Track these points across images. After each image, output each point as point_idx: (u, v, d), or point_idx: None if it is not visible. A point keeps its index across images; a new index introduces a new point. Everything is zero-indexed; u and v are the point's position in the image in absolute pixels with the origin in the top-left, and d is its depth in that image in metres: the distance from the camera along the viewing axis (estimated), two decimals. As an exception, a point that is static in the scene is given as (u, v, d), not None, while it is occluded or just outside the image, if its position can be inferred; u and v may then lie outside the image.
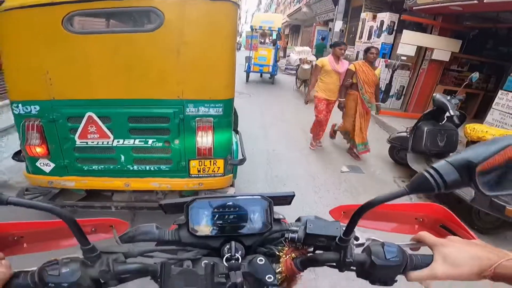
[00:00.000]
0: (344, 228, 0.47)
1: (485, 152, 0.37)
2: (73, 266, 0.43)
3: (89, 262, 0.45)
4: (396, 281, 0.48)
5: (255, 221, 0.55)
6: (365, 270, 0.47)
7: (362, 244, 0.53)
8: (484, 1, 4.00)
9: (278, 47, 8.99)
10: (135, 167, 1.78)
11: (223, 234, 0.54)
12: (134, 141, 1.69)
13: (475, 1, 4.15)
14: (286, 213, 0.63)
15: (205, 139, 1.76)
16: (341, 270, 0.50)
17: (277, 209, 0.58)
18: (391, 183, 3.29)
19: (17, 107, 1.57)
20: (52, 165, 1.70)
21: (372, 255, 0.46)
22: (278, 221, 0.58)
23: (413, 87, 6.58)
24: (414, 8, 5.76)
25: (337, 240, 0.48)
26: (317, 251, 0.52)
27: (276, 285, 0.48)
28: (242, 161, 2.11)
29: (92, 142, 1.64)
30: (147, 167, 1.80)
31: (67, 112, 1.58)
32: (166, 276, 0.47)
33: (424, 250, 0.50)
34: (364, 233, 0.57)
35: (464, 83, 3.42)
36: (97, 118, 1.59)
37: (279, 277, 0.50)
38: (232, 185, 2.10)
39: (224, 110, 1.76)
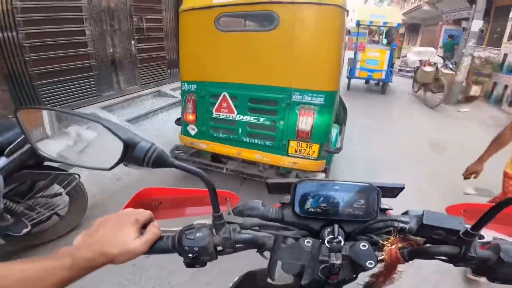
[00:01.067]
0: (466, 225, 0.48)
1: None
2: (205, 232, 0.50)
3: (215, 229, 0.52)
4: None
5: (362, 208, 0.55)
6: (487, 266, 0.48)
7: (487, 243, 0.51)
8: None
9: (394, 46, 7.54)
10: (247, 140, 2.30)
11: (326, 217, 0.56)
12: (250, 118, 2.21)
13: None
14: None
15: (304, 124, 2.08)
16: (456, 265, 0.50)
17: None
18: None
19: (184, 85, 2.38)
20: (196, 130, 2.46)
21: (501, 252, 0.46)
22: (383, 211, 0.58)
23: None
24: None
25: (460, 234, 0.48)
26: (428, 244, 0.52)
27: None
28: (338, 149, 2.30)
29: (223, 115, 2.28)
30: (256, 141, 2.29)
31: (212, 91, 2.26)
32: (277, 248, 0.52)
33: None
34: (488, 232, 0.54)
35: None
36: (228, 97, 2.21)
37: (380, 266, 0.52)
38: (323, 171, 2.33)
39: (325, 101, 2.03)
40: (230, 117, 2.26)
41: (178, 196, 0.70)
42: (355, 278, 0.53)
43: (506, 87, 6.32)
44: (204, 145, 2.47)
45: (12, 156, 1.61)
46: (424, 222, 0.50)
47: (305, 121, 2.07)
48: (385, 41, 9.97)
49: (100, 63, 4.21)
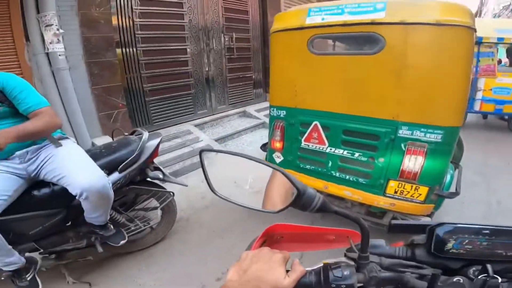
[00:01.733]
0: None
1: None
2: (351, 270, 0.52)
3: (358, 267, 0.54)
4: None
5: None
6: None
7: None
8: None
9: None
10: (337, 174, 2.09)
11: (468, 257, 0.56)
12: (343, 152, 2.00)
13: None
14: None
15: (412, 163, 1.75)
16: None
17: None
18: None
19: (273, 110, 2.34)
20: (282, 158, 2.38)
21: None
22: None
23: None
24: None
25: None
26: None
27: None
28: (454, 194, 1.87)
29: (312, 146, 2.13)
30: (347, 176, 2.05)
31: (302, 119, 2.15)
32: (434, 287, 0.53)
33: None
34: None
35: None
36: (320, 127, 2.05)
37: None
38: (429, 216, 1.93)
39: (444, 138, 1.67)
40: (320, 148, 2.10)
41: (300, 231, 0.73)
42: None
43: None
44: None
45: (124, 172, 1.82)
46: None
47: (414, 161, 1.75)
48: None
49: (197, 82, 4.66)
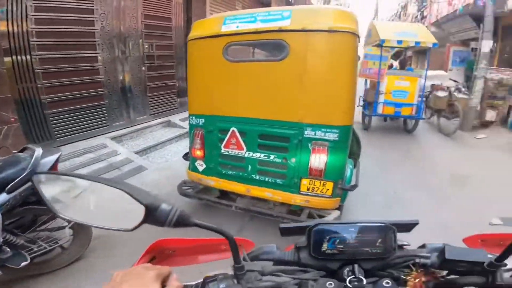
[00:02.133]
0: (491, 255, 0.51)
1: None
2: (228, 282, 0.52)
3: (237, 279, 0.54)
4: None
5: (379, 246, 0.58)
6: None
7: (510, 269, 0.54)
8: None
9: (411, 71, 6.48)
10: (257, 177, 2.21)
11: (343, 258, 0.58)
12: (260, 155, 2.13)
13: None
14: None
15: (317, 161, 1.98)
16: None
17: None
18: None
19: (192, 118, 2.34)
20: (204, 166, 2.39)
21: None
22: (400, 247, 0.61)
23: None
24: None
25: (485, 265, 0.50)
26: (453, 276, 0.54)
27: None
28: (353, 187, 2.18)
29: (232, 151, 2.21)
30: (266, 178, 2.19)
31: (220, 126, 2.21)
32: None
33: None
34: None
35: None
36: (237, 133, 2.15)
37: None
38: (338, 209, 2.20)
39: (340, 136, 1.94)
40: (239, 154, 2.19)
41: (191, 245, 0.73)
42: None
43: None
44: (212, 181, 2.39)
45: (13, 193, 1.63)
46: (446, 257, 0.53)
47: (318, 159, 1.98)
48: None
49: (111, 92, 4.31)
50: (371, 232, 0.58)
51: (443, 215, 2.82)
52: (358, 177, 2.37)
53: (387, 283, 0.53)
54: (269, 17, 1.97)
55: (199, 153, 2.33)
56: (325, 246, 0.58)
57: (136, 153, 4.00)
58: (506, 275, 0.53)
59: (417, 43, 5.46)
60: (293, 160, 2.07)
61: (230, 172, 2.29)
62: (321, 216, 2.19)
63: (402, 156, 4.72)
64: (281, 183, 2.16)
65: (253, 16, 2.02)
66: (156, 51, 5.01)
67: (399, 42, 5.45)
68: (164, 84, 5.37)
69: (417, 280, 0.54)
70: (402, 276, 0.56)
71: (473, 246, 0.71)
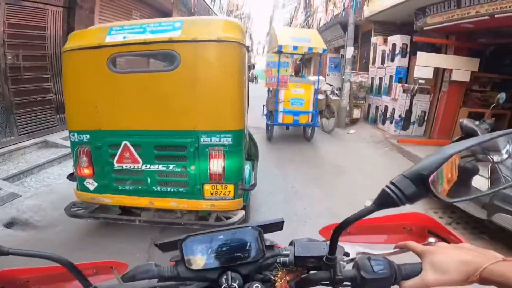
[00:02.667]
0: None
1: (433, 163, 0.42)
2: None
3: None
4: None
5: (249, 250, 0.59)
6: (357, 285, 0.51)
7: (353, 259, 0.55)
8: (495, 16, 4.18)
9: (304, 77, 6.71)
10: (158, 188, 2.17)
11: (219, 266, 0.58)
12: (158, 166, 2.11)
13: (487, 17, 4.34)
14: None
15: (216, 166, 2.10)
16: None
17: (270, 236, 0.63)
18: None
19: (73, 135, 2.11)
20: (95, 184, 2.18)
21: (360, 269, 0.50)
22: (271, 247, 0.61)
23: (435, 111, 6.43)
24: (425, 28, 5.89)
25: (324, 259, 0.52)
26: (310, 272, 0.56)
27: None
28: (253, 186, 2.40)
29: (126, 166, 2.10)
30: (168, 189, 2.18)
31: (109, 141, 2.07)
32: None
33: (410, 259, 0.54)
34: (353, 247, 0.60)
35: (492, 105, 3.42)
36: (131, 146, 2.05)
37: None
38: (243, 208, 2.35)
39: (233, 140, 2.10)
40: (136, 167, 2.10)
41: (49, 272, 0.64)
42: None
43: (377, 108, 7.61)
44: (109, 199, 2.21)
45: None
46: (295, 254, 0.54)
47: (216, 163, 2.10)
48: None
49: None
50: (239, 237, 0.59)
51: (331, 202, 3.41)
52: (256, 176, 2.61)
53: (257, 286, 0.54)
54: (159, 27, 1.99)
55: (87, 171, 2.11)
56: (198, 257, 0.59)
57: (5, 179, 3.27)
58: (348, 266, 0.54)
59: (310, 49, 5.55)
60: (193, 167, 2.13)
61: (128, 187, 2.17)
62: (228, 218, 2.32)
63: (297, 156, 5.36)
64: (184, 191, 2.19)
65: (142, 27, 1.99)
66: (24, 62, 4.26)
67: (295, 48, 5.38)
68: (38, 99, 4.57)
69: (282, 280, 0.55)
70: (272, 277, 0.57)
71: (327, 237, 0.69)
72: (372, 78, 7.95)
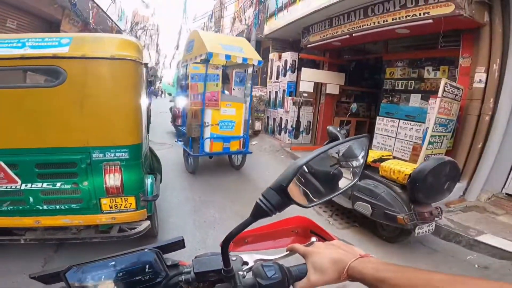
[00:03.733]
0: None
1: (289, 174, 0.47)
2: None
3: None
4: None
5: (149, 272, 0.57)
6: None
7: (250, 269, 0.57)
8: (353, 35, 5.11)
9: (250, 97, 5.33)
10: (45, 207, 2.03)
11: None
12: (43, 184, 1.96)
13: (347, 36, 5.26)
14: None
15: (112, 180, 2.07)
16: None
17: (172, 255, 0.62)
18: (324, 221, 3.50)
19: None
20: (-36, 206, 1.94)
21: (256, 277, 0.53)
22: (174, 266, 0.60)
23: (317, 121, 7.59)
24: (308, 45, 6.78)
25: (222, 272, 0.53)
26: (216, 285, 0.56)
27: None
28: (155, 197, 2.44)
29: (0, 186, 1.91)
30: (57, 206, 2.06)
31: (-23, 160, 1.83)
32: None
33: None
34: (251, 256, 0.61)
35: (348, 114, 4.28)
36: (5, 166, 1.86)
37: None
38: (148, 219, 2.38)
39: (130, 154, 2.08)
40: (13, 187, 1.92)
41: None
42: None
43: (274, 119, 8.25)
44: (-17, 222, 2.00)
45: None
46: (195, 271, 0.55)
47: (113, 178, 2.06)
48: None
49: None
50: (135, 261, 0.58)
51: (238, 207, 3.63)
52: (158, 188, 2.65)
53: None
54: (42, 43, 1.84)
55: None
56: (90, 285, 0.55)
57: None
58: (249, 275, 0.55)
59: (244, 59, 4.50)
60: (86, 183, 2.05)
61: (6, 208, 1.98)
62: (132, 229, 2.33)
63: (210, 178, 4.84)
64: (78, 207, 2.10)
65: (21, 42, 1.81)
66: None
67: (228, 57, 4.32)
68: None
69: None
70: None
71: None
72: (270, 92, 8.54)
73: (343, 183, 0.57)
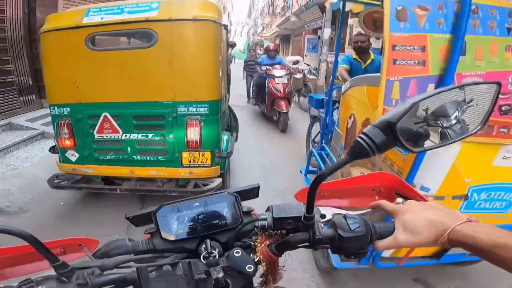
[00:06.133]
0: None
1: (399, 112, 0.44)
2: (49, 284, 0.46)
3: (65, 279, 0.48)
4: (367, 252, 0.54)
5: (226, 217, 0.61)
6: (336, 245, 0.52)
7: (330, 220, 0.56)
8: None
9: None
10: (139, 157, 2.45)
11: (197, 235, 0.60)
12: (138, 135, 2.37)
13: None
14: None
15: (193, 134, 2.38)
16: (315, 249, 0.56)
17: (247, 203, 0.65)
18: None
19: (54, 109, 2.34)
20: (77, 155, 2.43)
21: (338, 228, 0.52)
22: (248, 213, 0.63)
23: None
24: None
25: (302, 219, 0.53)
26: (289, 234, 0.56)
27: (254, 274, 0.54)
28: (229, 154, 2.73)
29: (106, 136, 2.35)
30: (148, 157, 2.46)
31: (89, 112, 2.31)
32: (145, 281, 0.50)
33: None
34: (329, 210, 0.61)
35: None
36: (110, 117, 2.30)
37: (260, 266, 0.56)
38: (220, 176, 2.67)
39: (210, 110, 2.39)
40: (116, 137, 2.36)
41: (16, 253, 0.60)
42: (251, 285, 0.58)
43: None
44: (91, 169, 2.47)
45: None
46: (274, 216, 0.55)
47: (193, 132, 2.38)
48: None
49: None
50: (215, 204, 0.61)
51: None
52: (233, 146, 2.96)
53: (237, 252, 0.54)
54: (137, 8, 2.22)
55: (68, 143, 2.35)
56: (175, 227, 0.60)
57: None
58: (325, 227, 0.55)
59: None
60: (171, 136, 2.41)
61: (109, 156, 2.44)
62: (205, 185, 2.65)
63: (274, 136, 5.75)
64: (163, 159, 2.49)
65: (120, 8, 2.22)
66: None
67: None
68: (-2, 81, 4.59)
69: (262, 245, 0.56)
70: (251, 242, 0.58)
71: (303, 200, 0.66)
72: None
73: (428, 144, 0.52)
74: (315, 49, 12.33)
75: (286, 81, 5.82)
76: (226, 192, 0.62)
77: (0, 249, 0.59)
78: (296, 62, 8.23)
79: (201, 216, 0.61)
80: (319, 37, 11.70)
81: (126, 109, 2.33)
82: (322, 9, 9.56)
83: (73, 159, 2.44)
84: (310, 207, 0.51)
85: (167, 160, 2.49)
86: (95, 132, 2.35)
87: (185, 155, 2.49)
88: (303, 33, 14.28)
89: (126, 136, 2.38)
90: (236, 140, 3.35)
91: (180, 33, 2.22)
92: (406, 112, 0.45)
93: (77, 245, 0.63)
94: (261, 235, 0.58)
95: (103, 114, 2.31)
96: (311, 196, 0.50)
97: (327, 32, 8.09)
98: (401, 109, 0.45)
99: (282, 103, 5.64)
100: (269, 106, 6.00)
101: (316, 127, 3.89)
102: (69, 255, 0.63)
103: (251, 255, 0.56)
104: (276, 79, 5.81)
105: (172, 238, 0.59)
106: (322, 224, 0.56)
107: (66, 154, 2.43)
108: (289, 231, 0.56)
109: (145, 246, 0.60)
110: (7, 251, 0.59)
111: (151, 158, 2.48)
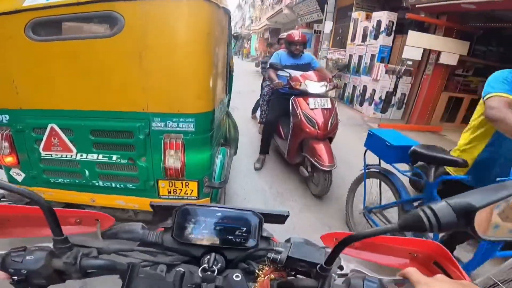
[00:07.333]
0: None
1: (488, 198, 0.39)
2: (39, 255, 0.49)
3: (57, 253, 0.51)
4: None
5: (242, 235, 0.59)
6: None
7: (345, 275, 0.55)
8: None
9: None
10: (101, 183, 1.86)
11: (205, 244, 0.59)
12: (98, 156, 1.78)
13: None
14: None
15: (172, 159, 1.76)
16: None
17: (268, 226, 0.63)
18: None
19: (-11, 115, 1.79)
20: (23, 174, 1.89)
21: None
22: (266, 239, 0.62)
23: (416, 95, 6.49)
24: (417, 6, 5.73)
25: (318, 268, 0.51)
26: (298, 276, 0.56)
27: None
28: (223, 183, 2.08)
29: (56, 154, 1.78)
30: (113, 184, 1.87)
31: (32, 123, 1.73)
32: (133, 276, 0.50)
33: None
34: (350, 263, 0.59)
35: None
36: (59, 130, 1.71)
37: None
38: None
39: (197, 126, 1.73)
40: (67, 156, 1.78)
41: (31, 214, 0.63)
42: None
43: (354, 87, 7.46)
44: (41, 193, 1.95)
45: None
46: (289, 255, 0.54)
47: (173, 156, 1.76)
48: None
49: None
50: (237, 220, 0.59)
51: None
52: (229, 168, 2.28)
53: (237, 276, 0.52)
54: None
55: (10, 159, 1.81)
56: (189, 230, 0.59)
57: None
58: (339, 281, 0.52)
59: None
60: (143, 159, 1.80)
61: (62, 180, 1.88)
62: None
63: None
64: (134, 188, 1.89)
65: None
66: None
67: None
68: None
69: (266, 277, 0.54)
70: (256, 270, 0.56)
71: (328, 244, 0.68)
72: (350, 55, 7.82)
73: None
74: (309, 44, 12.15)
75: (329, 105, 3.30)
76: (251, 212, 0.60)
77: (14, 207, 0.65)
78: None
79: (218, 228, 0.59)
80: (315, 31, 11.50)
81: (80, 120, 1.72)
82: (321, 1, 9.16)
83: (19, 179, 1.91)
84: (331, 259, 0.50)
85: (138, 189, 1.90)
86: (40, 149, 1.78)
87: (162, 184, 1.88)
88: (296, 26, 13.86)
89: (81, 156, 1.79)
90: (235, 153, 2.66)
91: (157, 17, 1.54)
92: (497, 201, 0.40)
93: (93, 219, 0.67)
94: (269, 266, 0.56)
95: (50, 125, 1.72)
96: (337, 250, 0.48)
97: (328, 26, 7.43)
98: (492, 196, 0.40)
99: (323, 149, 3.06)
100: (294, 149, 3.46)
101: (372, 185, 2.52)
102: (83, 227, 0.67)
103: (250, 283, 0.54)
104: (311, 100, 3.24)
105: (181, 239, 0.59)
106: (336, 276, 0.55)
107: (11, 173, 1.91)
108: (299, 273, 0.57)
109: (153, 238, 0.61)
110: (21, 210, 0.65)
111: (117, 185, 1.90)
